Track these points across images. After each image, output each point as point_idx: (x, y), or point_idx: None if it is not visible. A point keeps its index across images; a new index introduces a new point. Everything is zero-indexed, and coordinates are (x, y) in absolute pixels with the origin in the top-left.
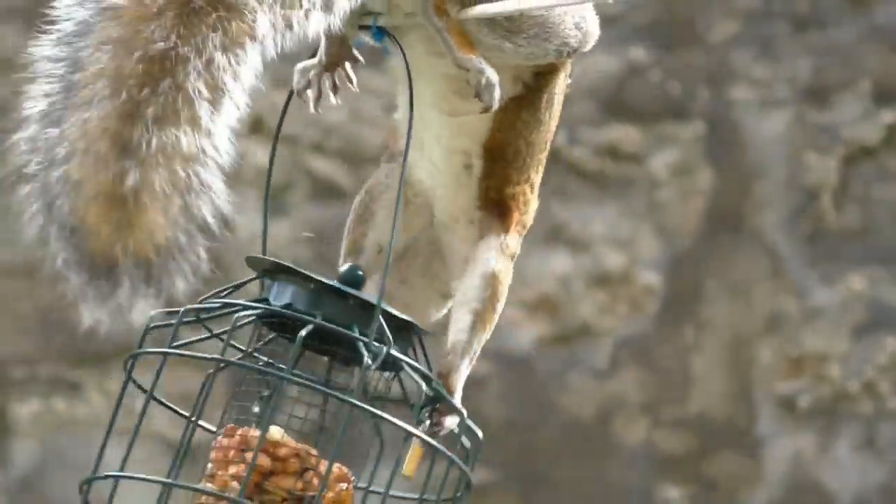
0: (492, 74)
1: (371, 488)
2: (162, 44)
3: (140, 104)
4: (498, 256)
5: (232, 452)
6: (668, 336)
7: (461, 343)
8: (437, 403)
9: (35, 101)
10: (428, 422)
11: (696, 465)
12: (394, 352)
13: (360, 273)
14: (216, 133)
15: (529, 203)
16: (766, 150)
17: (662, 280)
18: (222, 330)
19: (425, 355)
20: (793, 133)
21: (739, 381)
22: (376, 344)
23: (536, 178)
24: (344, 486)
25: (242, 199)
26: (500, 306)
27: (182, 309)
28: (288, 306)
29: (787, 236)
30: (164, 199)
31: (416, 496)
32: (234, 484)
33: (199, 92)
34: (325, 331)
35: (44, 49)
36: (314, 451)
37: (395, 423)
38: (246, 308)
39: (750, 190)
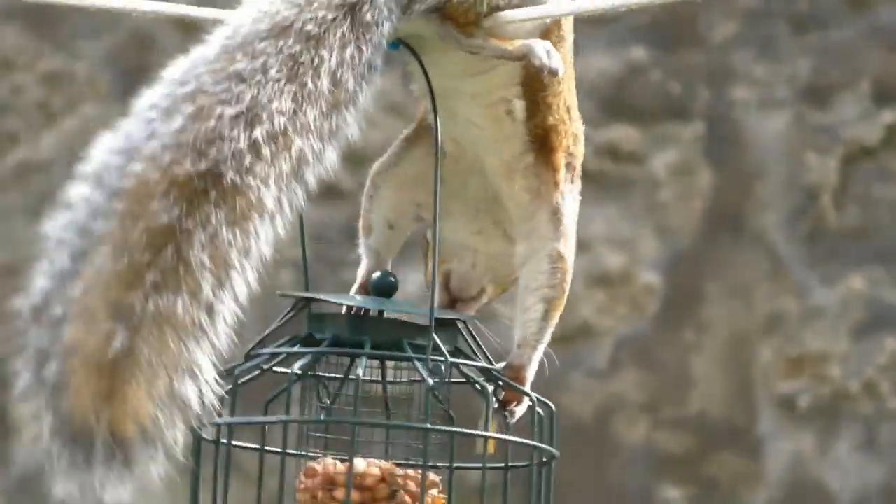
0: (545, 44)
1: (456, 465)
2: (166, 216)
3: (141, 269)
4: (556, 231)
5: (320, 493)
6: (668, 336)
7: (533, 334)
8: (502, 389)
9: (42, 275)
10: (495, 404)
11: (696, 465)
12: (452, 360)
13: (392, 280)
14: (218, 310)
15: (570, 132)
16: (766, 150)
17: (662, 280)
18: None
19: (474, 338)
20: (793, 133)
21: (739, 381)
22: (433, 358)
23: (571, 98)
24: (435, 491)
25: None
26: (568, 288)
27: (235, 371)
28: (335, 339)
29: (787, 236)
30: (148, 371)
31: (503, 465)
32: None
33: (203, 263)
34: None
35: (53, 230)
36: (398, 471)
37: (471, 434)
38: (294, 354)
39: (750, 190)
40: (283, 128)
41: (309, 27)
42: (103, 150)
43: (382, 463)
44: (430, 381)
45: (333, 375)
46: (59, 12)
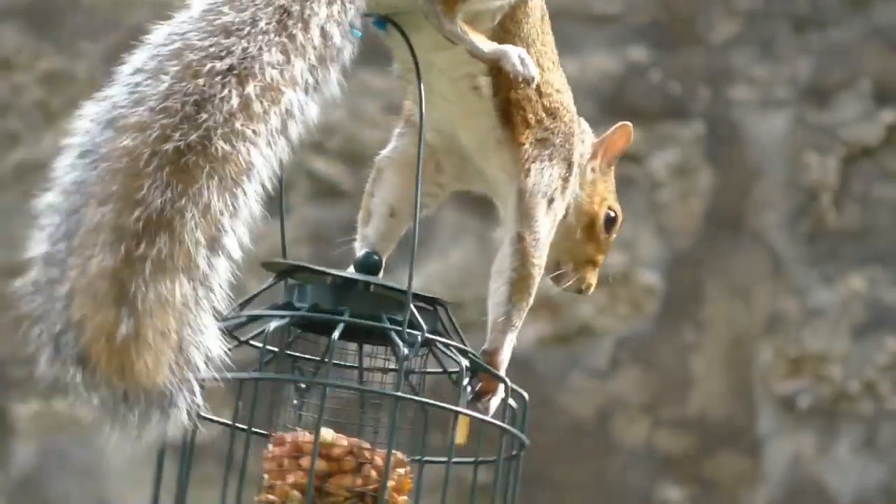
0: (520, 51)
1: (426, 458)
2: (159, 201)
3: (137, 258)
4: (517, 212)
5: (286, 461)
6: (668, 336)
7: (502, 318)
8: (478, 373)
9: (38, 246)
10: (471, 394)
11: (696, 465)
12: (428, 335)
13: (376, 257)
14: (214, 275)
15: (539, 107)
16: (766, 150)
17: (662, 280)
18: (249, 336)
19: (452, 323)
20: (793, 133)
21: (739, 381)
22: (409, 331)
23: (545, 75)
24: (402, 470)
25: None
26: (535, 268)
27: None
28: (315, 307)
29: (787, 236)
30: (156, 349)
31: (472, 460)
32: (295, 492)
33: (198, 241)
34: (356, 325)
35: (48, 198)
36: (366, 445)
37: (441, 407)
38: (274, 318)
39: (750, 190)
40: (273, 81)
41: None
42: (89, 121)
43: (351, 438)
44: (405, 351)
45: (310, 356)
46: (59, 12)
